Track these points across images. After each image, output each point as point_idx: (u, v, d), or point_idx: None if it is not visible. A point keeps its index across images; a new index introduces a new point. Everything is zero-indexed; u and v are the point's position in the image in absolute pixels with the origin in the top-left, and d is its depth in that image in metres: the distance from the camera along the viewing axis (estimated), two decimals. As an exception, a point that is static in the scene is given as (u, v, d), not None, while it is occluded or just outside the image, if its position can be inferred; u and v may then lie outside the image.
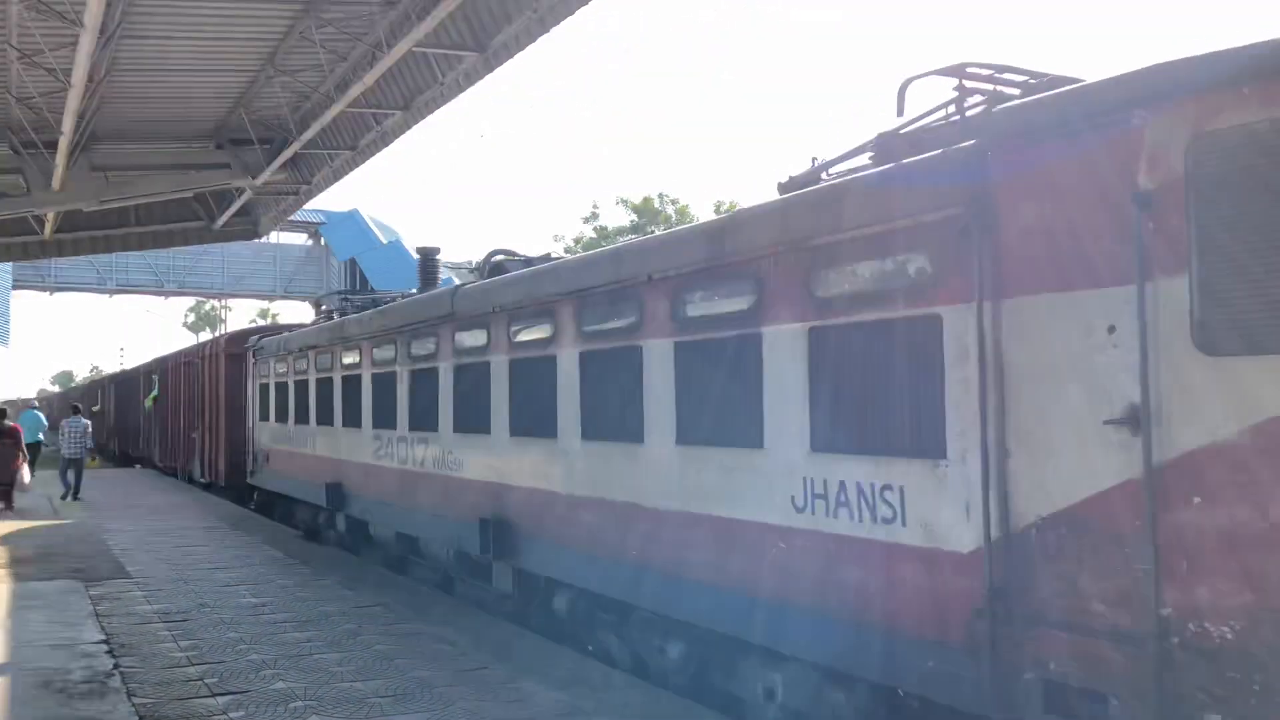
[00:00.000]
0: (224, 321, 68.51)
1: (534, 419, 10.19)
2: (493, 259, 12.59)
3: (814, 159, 7.75)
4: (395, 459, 13.77)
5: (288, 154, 21.37)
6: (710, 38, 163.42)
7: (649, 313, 8.45)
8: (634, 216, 54.98)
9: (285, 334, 20.34)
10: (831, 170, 7.61)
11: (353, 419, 15.47)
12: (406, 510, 13.54)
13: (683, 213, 54.29)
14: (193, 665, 9.16)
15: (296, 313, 58.59)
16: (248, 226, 30.68)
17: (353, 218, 55.33)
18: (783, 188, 7.76)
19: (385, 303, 16.19)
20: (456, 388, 12.00)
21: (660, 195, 55.97)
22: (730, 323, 7.57)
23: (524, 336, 10.48)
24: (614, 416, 8.93)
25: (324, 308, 21.18)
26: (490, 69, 16.30)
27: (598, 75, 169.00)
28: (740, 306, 7.49)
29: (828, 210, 6.78)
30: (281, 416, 19.60)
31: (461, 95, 17.73)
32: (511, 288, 10.94)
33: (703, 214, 53.53)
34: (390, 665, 9.13)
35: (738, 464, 7.46)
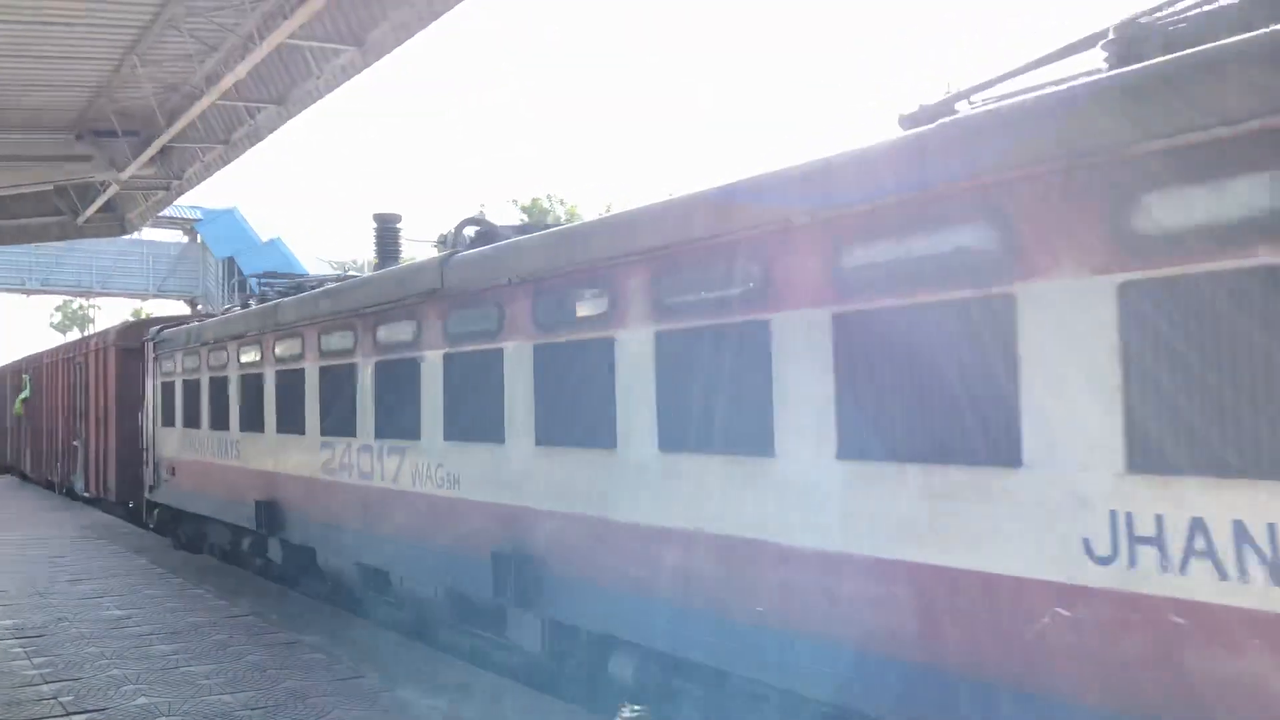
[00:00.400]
0: (93, 322, 65.26)
1: (577, 423, 7.58)
2: (465, 229, 10.11)
3: (948, 87, 5.48)
4: (356, 473, 10.72)
5: (155, 147, 20.32)
6: (595, 36, 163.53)
7: (783, 274, 5.87)
8: (524, 217, 54.64)
9: (196, 323, 16.95)
10: (975, 97, 5.42)
11: (293, 423, 12.29)
12: (372, 537, 10.49)
13: (572, 213, 54.04)
14: (47, 683, 8.41)
15: (172, 312, 56.23)
16: (114, 222, 29.21)
17: (230, 215, 53.18)
18: (907, 120, 5.70)
19: (314, 286, 13.16)
20: (449, 384, 9.13)
21: (549, 196, 55.77)
22: (942, 278, 5.03)
23: (560, 314, 7.80)
24: (719, 418, 6.36)
25: (198, 308, 19.89)
26: (368, 63, 15.81)
27: (482, 74, 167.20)
28: (967, 259, 4.92)
29: (1177, 96, 4.18)
30: (192, 421, 16.10)
31: (338, 90, 17.33)
32: (538, 251, 8.09)
33: (591, 215, 53.47)
34: (263, 676, 8.53)
35: (963, 490, 4.93)
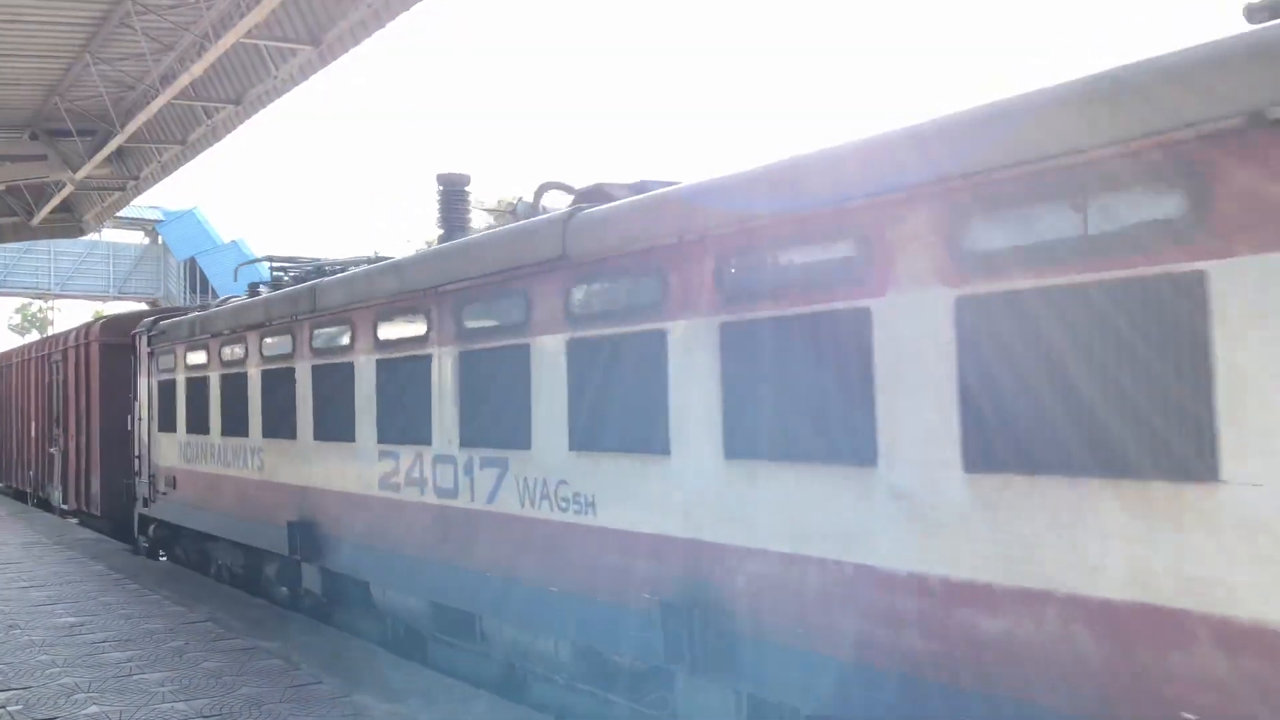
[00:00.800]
0: (51, 324, 64.12)
1: (798, 428, 5.45)
2: (547, 192, 8.50)
3: None
4: (431, 490, 8.53)
5: (111, 147, 19.61)
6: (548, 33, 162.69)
7: (1238, 200, 3.71)
8: (491, 220, 54.37)
9: (204, 312, 14.35)
10: None
11: (338, 429, 10.00)
12: (455, 572, 8.29)
13: (540, 213, 53.91)
14: (-5, 693, 7.97)
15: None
16: (71, 223, 28.63)
17: (191, 216, 52.46)
18: (1260, 11, 4.13)
19: (336, 271, 11.14)
20: (575, 376, 6.94)
21: (519, 199, 55.67)
22: None
23: (768, 280, 5.59)
24: (1082, 420, 4.16)
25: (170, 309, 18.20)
26: (325, 63, 15.38)
27: (447, 68, 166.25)
28: None
29: None
30: (198, 425, 13.62)
31: (296, 89, 17.06)
32: (732, 195, 5.84)
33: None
34: (218, 683, 8.22)
35: None
